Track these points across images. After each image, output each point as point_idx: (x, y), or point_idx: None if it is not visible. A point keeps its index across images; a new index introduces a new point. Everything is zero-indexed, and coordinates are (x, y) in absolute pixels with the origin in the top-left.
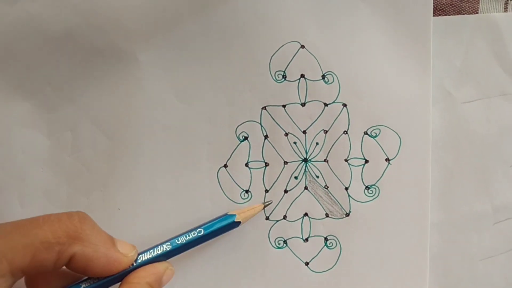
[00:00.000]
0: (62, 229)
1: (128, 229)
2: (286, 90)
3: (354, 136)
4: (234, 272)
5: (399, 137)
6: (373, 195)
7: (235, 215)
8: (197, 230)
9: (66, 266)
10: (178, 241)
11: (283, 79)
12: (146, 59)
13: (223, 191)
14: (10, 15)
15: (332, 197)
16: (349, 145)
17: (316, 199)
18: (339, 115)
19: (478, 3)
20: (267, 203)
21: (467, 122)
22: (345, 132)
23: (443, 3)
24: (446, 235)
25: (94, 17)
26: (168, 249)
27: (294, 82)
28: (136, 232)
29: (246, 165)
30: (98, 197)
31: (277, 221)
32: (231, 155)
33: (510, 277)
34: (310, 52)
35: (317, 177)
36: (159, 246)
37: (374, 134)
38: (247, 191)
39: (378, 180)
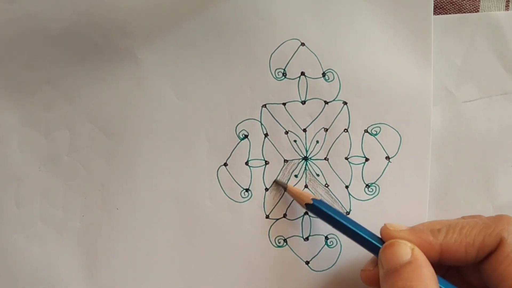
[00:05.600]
0: None
1: (126, 229)
2: (286, 88)
3: (354, 134)
4: (234, 271)
5: (400, 135)
6: (373, 193)
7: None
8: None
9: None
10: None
11: (283, 77)
12: (145, 57)
13: (223, 190)
14: (9, 13)
15: (332, 195)
16: (350, 143)
17: None
18: (339, 113)
19: (479, 1)
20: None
21: (468, 121)
22: (346, 130)
23: (444, 1)
24: None
25: (93, 15)
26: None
27: (294, 80)
28: (135, 232)
29: (246, 163)
30: (97, 197)
31: (277, 219)
32: (231, 154)
33: None
34: (310, 50)
35: (318, 175)
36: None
37: (375, 132)
38: (247, 190)
39: (378, 178)
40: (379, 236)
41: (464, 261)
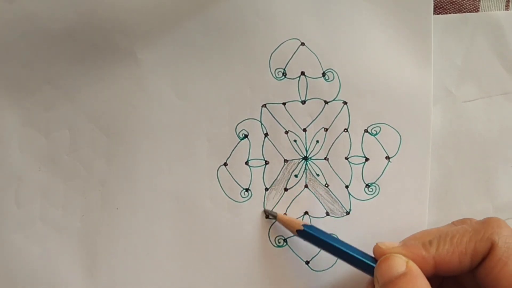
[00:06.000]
0: None
1: (126, 229)
2: (286, 88)
3: (354, 134)
4: (234, 271)
5: (399, 135)
6: (373, 193)
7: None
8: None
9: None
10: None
11: (283, 77)
12: (145, 57)
13: (223, 190)
14: (9, 13)
15: (332, 195)
16: (350, 143)
17: (317, 197)
18: (339, 112)
19: (479, 1)
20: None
21: (468, 121)
22: (346, 130)
23: (444, 1)
24: None
25: (93, 15)
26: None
27: (294, 79)
28: (135, 232)
29: (246, 163)
30: (96, 197)
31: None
32: (231, 153)
33: None
34: (310, 50)
35: (318, 175)
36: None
37: (375, 132)
38: (247, 190)
39: (378, 178)
40: (372, 255)
41: (459, 270)
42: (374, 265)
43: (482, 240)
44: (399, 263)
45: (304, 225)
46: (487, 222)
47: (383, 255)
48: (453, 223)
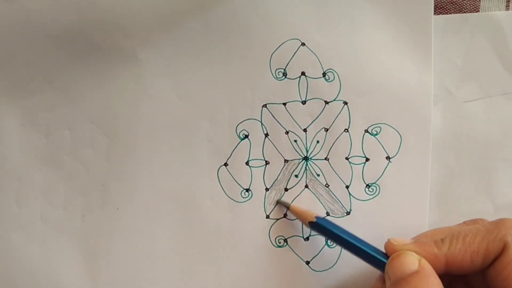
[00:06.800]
0: None
1: (127, 229)
2: (287, 88)
3: (355, 134)
4: (234, 271)
5: (400, 135)
6: (374, 193)
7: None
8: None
9: None
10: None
11: (284, 77)
12: (145, 57)
13: (223, 190)
14: (9, 13)
15: (332, 195)
16: (350, 143)
17: (317, 197)
18: (340, 113)
19: (480, 1)
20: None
21: (468, 121)
22: (346, 130)
23: (444, 1)
24: None
25: (93, 15)
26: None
27: (295, 80)
28: (135, 232)
29: (247, 163)
30: (97, 197)
31: (278, 219)
32: (231, 154)
33: None
34: (310, 50)
35: (318, 175)
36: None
37: (375, 132)
38: (247, 190)
39: (378, 178)
40: (384, 251)
41: (470, 269)
42: (385, 260)
43: (495, 240)
44: (412, 261)
45: (317, 217)
46: (500, 223)
47: (395, 252)
48: (464, 223)
